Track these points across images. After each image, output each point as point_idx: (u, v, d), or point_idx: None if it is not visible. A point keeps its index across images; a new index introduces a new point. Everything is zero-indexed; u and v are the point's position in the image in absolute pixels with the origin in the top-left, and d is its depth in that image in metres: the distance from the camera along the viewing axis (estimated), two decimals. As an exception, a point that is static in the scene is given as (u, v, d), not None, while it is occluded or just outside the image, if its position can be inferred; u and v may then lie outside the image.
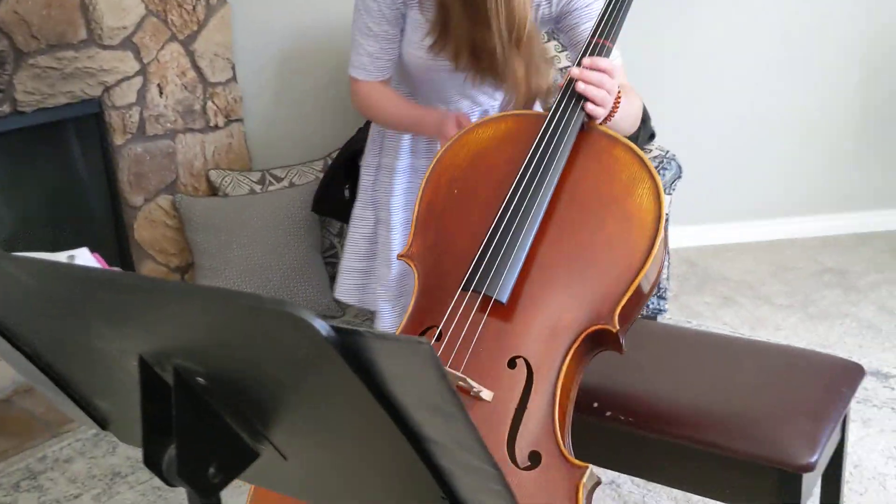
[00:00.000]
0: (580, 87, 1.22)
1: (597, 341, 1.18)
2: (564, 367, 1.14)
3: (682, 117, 3.06)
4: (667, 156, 2.51)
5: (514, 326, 1.17)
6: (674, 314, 2.78)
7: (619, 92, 1.28)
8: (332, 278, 2.94)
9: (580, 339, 1.15)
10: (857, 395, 2.22)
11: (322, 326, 0.52)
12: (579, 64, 1.26)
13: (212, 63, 2.96)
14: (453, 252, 1.23)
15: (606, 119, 1.29)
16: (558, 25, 1.50)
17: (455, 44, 1.41)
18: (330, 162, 2.91)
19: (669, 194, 2.46)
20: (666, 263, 1.78)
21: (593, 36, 1.31)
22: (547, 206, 1.20)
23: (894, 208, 3.31)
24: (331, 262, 2.98)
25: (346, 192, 2.67)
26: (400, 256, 1.30)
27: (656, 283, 1.25)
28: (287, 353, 0.57)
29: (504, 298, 1.16)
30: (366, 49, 1.54)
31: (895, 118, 3.22)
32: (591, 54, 1.28)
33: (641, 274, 1.15)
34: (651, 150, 2.51)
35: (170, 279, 2.86)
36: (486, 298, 1.17)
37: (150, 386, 0.74)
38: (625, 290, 1.14)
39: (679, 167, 2.45)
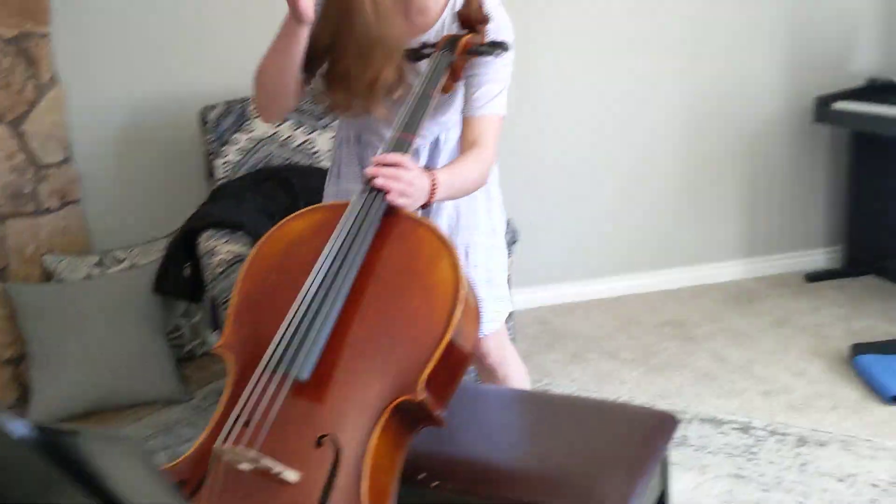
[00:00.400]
0: (377, 182, 1.32)
1: (409, 415, 1.19)
2: (373, 444, 1.14)
3: (522, 179, 3.17)
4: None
5: (321, 405, 1.17)
6: (525, 375, 2.83)
7: (434, 179, 1.38)
8: (180, 360, 2.86)
9: (387, 412, 1.15)
10: (693, 442, 2.33)
11: (16, 428, 0.50)
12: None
13: (44, 144, 2.87)
14: (266, 340, 1.23)
15: (426, 205, 1.40)
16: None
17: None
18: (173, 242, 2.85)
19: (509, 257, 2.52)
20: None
21: (396, 130, 1.43)
22: (351, 285, 1.24)
23: (726, 261, 3.52)
24: (177, 344, 2.89)
25: (188, 271, 2.61)
26: (214, 350, 1.31)
27: (470, 356, 1.28)
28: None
29: (304, 376, 1.16)
30: None
31: (718, 179, 3.45)
32: (395, 147, 1.40)
33: (444, 342, 1.17)
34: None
35: None
36: (289, 377, 1.16)
37: None
38: (427, 359, 1.17)
39: (515, 230, 2.52)
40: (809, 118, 3.34)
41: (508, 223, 2.58)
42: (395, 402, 1.16)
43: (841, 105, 3.20)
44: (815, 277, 3.45)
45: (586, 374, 2.82)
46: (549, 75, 3.21)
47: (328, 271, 1.24)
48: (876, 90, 3.23)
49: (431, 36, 1.57)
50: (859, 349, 2.74)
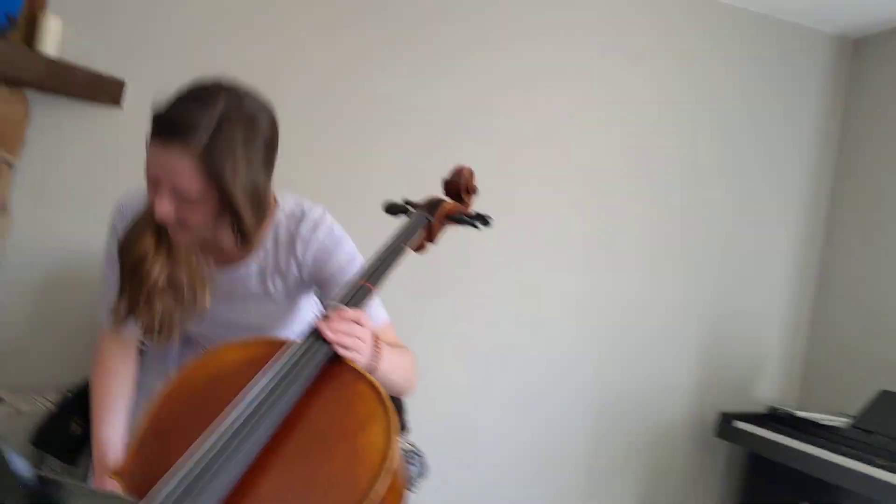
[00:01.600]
0: (329, 336, 1.24)
1: None
2: None
3: (434, 415, 3.15)
4: (416, 451, 2.55)
5: None
6: None
7: (379, 345, 1.34)
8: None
9: None
10: None
11: (23, 469, 0.47)
12: (326, 308, 1.31)
13: (-31, 267, 2.77)
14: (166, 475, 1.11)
15: (372, 370, 1.32)
16: (318, 288, 1.64)
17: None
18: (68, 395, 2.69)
19: (413, 491, 2.46)
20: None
21: (360, 277, 1.37)
22: (270, 433, 1.13)
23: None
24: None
25: (79, 430, 2.45)
26: (113, 474, 1.17)
27: None
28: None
29: None
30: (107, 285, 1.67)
31: (620, 471, 3.50)
32: (354, 296, 1.33)
33: None
34: (400, 444, 2.54)
35: None
36: None
37: None
38: None
39: (425, 465, 2.48)
40: (712, 431, 3.48)
41: (421, 455, 2.55)
42: None
43: (742, 425, 3.37)
44: (695, 592, 3.41)
45: None
46: (470, 331, 3.32)
47: (247, 414, 1.13)
48: (775, 419, 3.42)
49: (254, 263, 1.62)
50: None
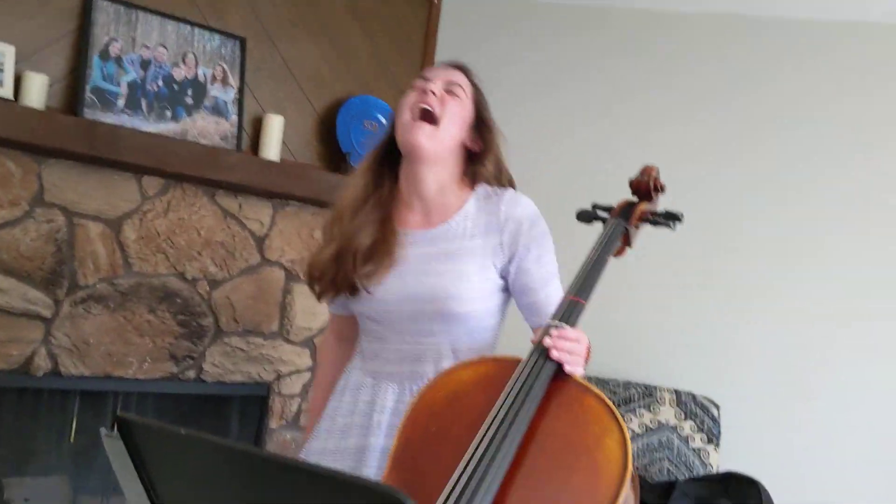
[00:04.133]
0: (554, 354, 1.28)
1: None
2: None
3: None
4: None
5: None
6: None
7: (588, 347, 1.36)
8: None
9: None
10: None
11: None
12: (549, 328, 1.32)
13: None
14: (424, 491, 1.18)
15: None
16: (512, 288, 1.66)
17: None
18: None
19: None
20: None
21: (569, 294, 1.38)
22: (514, 454, 1.17)
23: None
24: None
25: None
26: None
27: None
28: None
29: None
30: None
31: None
32: (570, 314, 1.35)
33: None
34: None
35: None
36: None
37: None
38: None
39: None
40: None
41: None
42: None
43: None
44: None
45: None
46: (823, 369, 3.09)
47: (494, 435, 1.17)
48: None
49: (453, 225, 1.64)
50: None
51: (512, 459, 1.17)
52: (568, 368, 1.28)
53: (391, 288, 1.62)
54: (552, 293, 1.60)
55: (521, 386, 1.24)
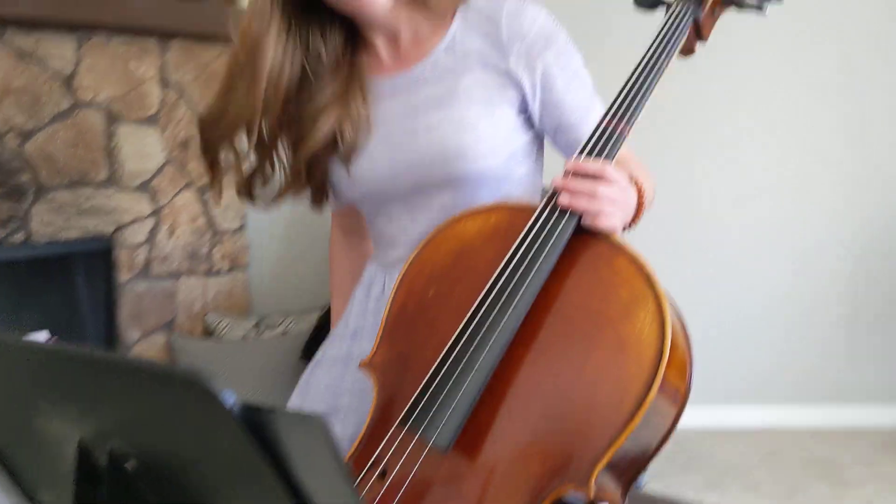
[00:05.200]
0: (563, 200, 1.00)
1: None
2: None
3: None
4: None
5: (466, 478, 0.97)
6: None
7: (640, 189, 1.08)
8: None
9: (546, 502, 0.92)
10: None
11: (229, 398, 0.56)
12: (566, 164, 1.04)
13: (224, 211, 3.11)
14: (418, 367, 1.02)
15: (629, 227, 1.08)
16: (548, 131, 1.25)
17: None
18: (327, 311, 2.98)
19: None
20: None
21: (605, 117, 1.06)
22: (519, 323, 0.98)
23: (886, 404, 3.29)
24: (316, 413, 2.98)
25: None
26: (361, 365, 1.09)
27: (665, 439, 0.97)
28: (199, 430, 0.61)
29: (443, 444, 0.96)
30: None
31: (890, 314, 3.27)
32: (600, 144, 1.04)
33: (633, 424, 0.89)
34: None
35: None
36: (424, 441, 0.97)
37: (86, 473, 0.75)
38: (608, 446, 0.89)
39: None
40: None
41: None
42: (558, 492, 0.91)
43: None
44: None
45: (723, 502, 2.68)
46: (722, 186, 3.20)
47: (494, 300, 0.98)
48: None
49: (436, 60, 1.22)
50: None
51: (516, 328, 0.97)
52: (587, 222, 0.99)
53: (377, 160, 1.22)
54: (594, 122, 1.15)
55: (531, 241, 1.00)
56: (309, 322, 2.98)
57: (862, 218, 3.23)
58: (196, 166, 2.98)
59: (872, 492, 2.74)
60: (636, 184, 1.08)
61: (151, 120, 2.82)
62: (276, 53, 1.17)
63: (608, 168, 1.01)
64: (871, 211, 3.23)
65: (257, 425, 0.57)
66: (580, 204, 0.99)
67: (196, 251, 3.02)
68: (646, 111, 1.07)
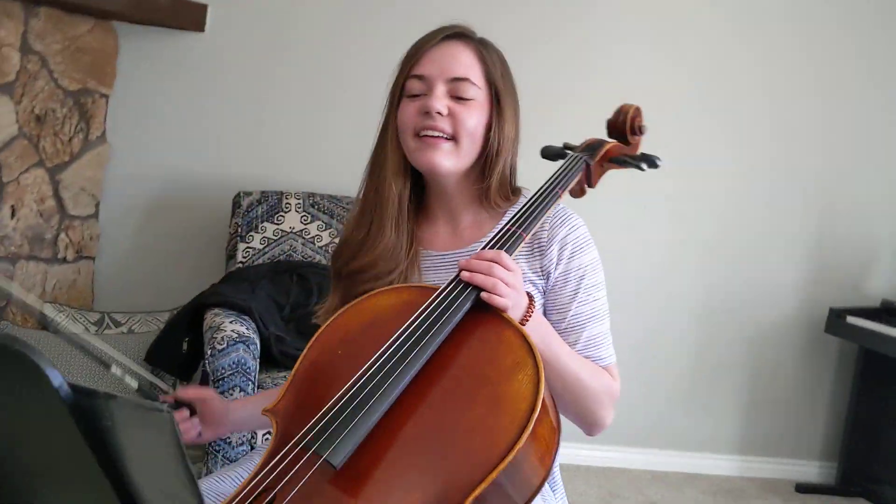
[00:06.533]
0: (464, 275, 1.15)
1: None
2: None
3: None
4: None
5: (352, 499, 1.02)
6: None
7: (531, 301, 1.21)
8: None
9: None
10: None
11: (55, 378, 0.48)
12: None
13: (76, 196, 2.90)
14: (318, 409, 1.10)
15: (523, 322, 1.19)
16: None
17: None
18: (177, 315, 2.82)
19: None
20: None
21: (508, 224, 1.25)
22: (414, 375, 1.09)
23: (718, 454, 3.44)
24: (154, 419, 2.80)
25: (185, 346, 2.57)
26: (264, 412, 1.17)
27: (539, 481, 1.07)
28: (20, 409, 0.52)
29: (336, 462, 1.01)
30: None
31: (723, 369, 3.43)
32: (500, 241, 1.22)
33: (502, 465, 0.99)
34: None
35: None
36: (318, 459, 1.02)
37: None
38: (479, 481, 0.98)
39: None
40: (821, 328, 3.36)
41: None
42: None
43: (854, 320, 3.23)
44: (805, 489, 3.36)
45: (561, 538, 2.70)
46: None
47: (394, 357, 1.09)
48: (889, 312, 3.26)
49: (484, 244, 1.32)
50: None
51: (408, 383, 1.08)
52: (485, 296, 1.14)
53: None
54: (590, 338, 1.35)
55: (433, 308, 1.13)
56: (157, 323, 2.81)
57: (710, 282, 3.39)
58: (51, 144, 2.78)
59: (701, 536, 2.83)
60: (529, 298, 1.22)
61: (6, 88, 2.60)
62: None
63: (504, 255, 1.17)
64: (721, 274, 3.39)
65: (87, 411, 0.49)
66: (477, 279, 1.14)
67: (40, 235, 2.80)
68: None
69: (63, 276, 2.89)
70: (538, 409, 1.02)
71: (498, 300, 1.14)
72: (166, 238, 3.06)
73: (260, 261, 2.76)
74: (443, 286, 1.17)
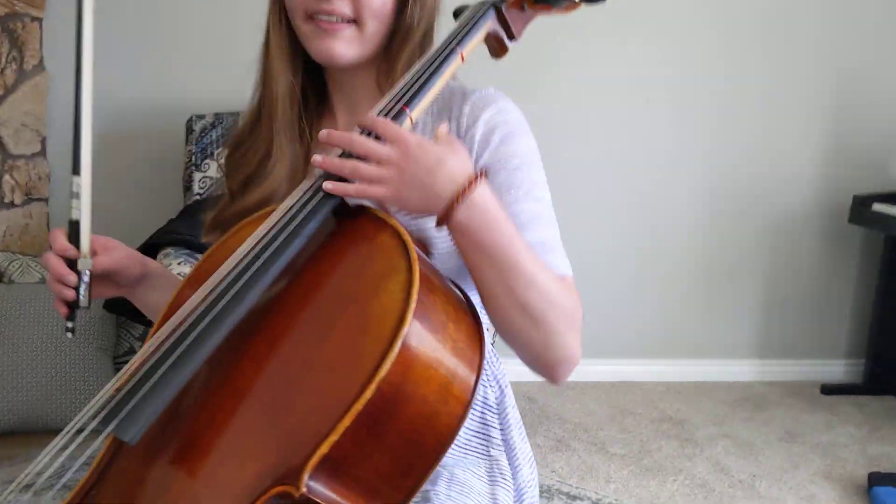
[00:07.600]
0: (315, 160, 0.89)
1: None
2: None
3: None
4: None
5: (188, 481, 0.81)
6: (501, 456, 2.54)
7: (480, 173, 0.91)
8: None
9: None
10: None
11: None
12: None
13: (17, 133, 2.65)
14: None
15: (442, 222, 0.90)
16: None
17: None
18: (137, 255, 2.60)
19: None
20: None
21: (390, 98, 0.95)
22: (248, 320, 0.84)
23: (736, 360, 3.24)
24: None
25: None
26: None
27: (445, 429, 0.80)
28: None
29: (128, 436, 0.79)
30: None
31: (737, 270, 3.19)
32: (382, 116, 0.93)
33: (356, 405, 0.74)
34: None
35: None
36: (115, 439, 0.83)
37: None
38: (327, 433, 0.73)
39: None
40: (844, 217, 3.08)
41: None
42: (270, 493, 0.74)
43: (880, 207, 2.95)
44: (831, 390, 3.15)
45: (570, 465, 2.52)
46: (566, 138, 2.98)
47: (212, 297, 0.84)
48: (918, 197, 2.99)
49: None
50: (877, 479, 2.44)
51: (232, 329, 0.83)
52: (350, 190, 0.87)
53: None
54: (535, 244, 0.99)
55: (271, 232, 0.87)
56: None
57: (720, 174, 3.11)
58: (-20, 78, 2.51)
59: (722, 453, 2.64)
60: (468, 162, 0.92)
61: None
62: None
63: (384, 123, 0.88)
64: (731, 165, 3.11)
65: None
66: (328, 165, 0.88)
67: (-21, 179, 2.56)
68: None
69: (13, 222, 2.67)
70: (408, 321, 0.76)
71: (370, 189, 0.87)
72: (122, 172, 2.81)
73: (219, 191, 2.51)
74: (292, 195, 0.90)
